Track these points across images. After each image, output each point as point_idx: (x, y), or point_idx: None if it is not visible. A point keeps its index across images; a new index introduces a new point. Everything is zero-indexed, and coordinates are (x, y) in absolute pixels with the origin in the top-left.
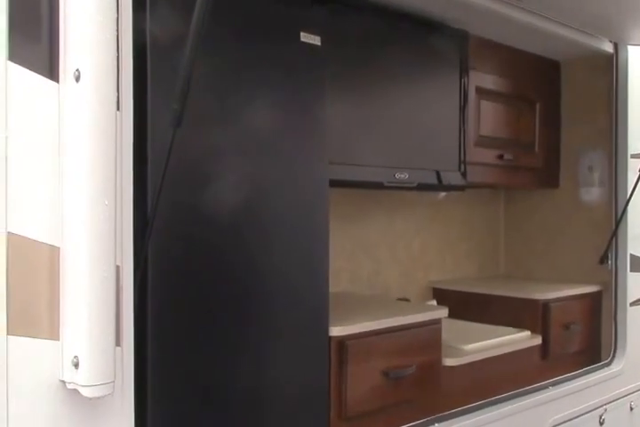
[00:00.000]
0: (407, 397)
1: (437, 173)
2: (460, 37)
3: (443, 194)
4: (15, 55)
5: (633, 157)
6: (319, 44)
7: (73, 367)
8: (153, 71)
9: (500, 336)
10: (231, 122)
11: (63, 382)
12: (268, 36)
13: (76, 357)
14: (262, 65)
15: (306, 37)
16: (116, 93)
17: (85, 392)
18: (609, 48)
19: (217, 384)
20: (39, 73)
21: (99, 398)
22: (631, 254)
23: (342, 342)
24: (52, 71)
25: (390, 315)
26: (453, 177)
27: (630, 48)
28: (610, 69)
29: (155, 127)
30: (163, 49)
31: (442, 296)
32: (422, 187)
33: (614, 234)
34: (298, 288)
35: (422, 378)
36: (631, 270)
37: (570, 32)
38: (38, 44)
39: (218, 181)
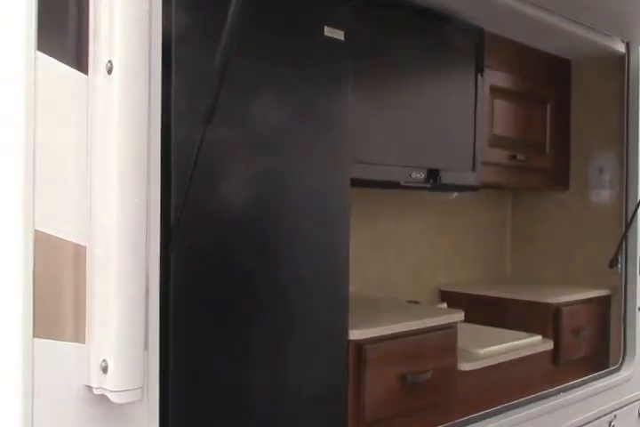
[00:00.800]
0: (424, 402)
1: (453, 173)
2: (476, 34)
3: (455, 194)
4: (44, 45)
5: None
6: (343, 38)
7: (101, 372)
8: (178, 65)
9: (512, 340)
10: (252, 118)
11: (89, 387)
12: (293, 30)
13: (104, 361)
14: (287, 59)
15: (330, 32)
16: (148, 87)
17: (115, 398)
18: (621, 48)
19: (234, 387)
20: (68, 64)
21: (128, 404)
22: None
23: (361, 345)
24: (80, 62)
25: (407, 318)
26: (468, 177)
27: None
28: (621, 70)
29: (179, 123)
30: (188, 43)
31: (451, 299)
32: (437, 187)
33: (624, 237)
34: (318, 291)
35: (439, 383)
36: None
37: (582, 30)
38: (67, 34)
39: (237, 180)
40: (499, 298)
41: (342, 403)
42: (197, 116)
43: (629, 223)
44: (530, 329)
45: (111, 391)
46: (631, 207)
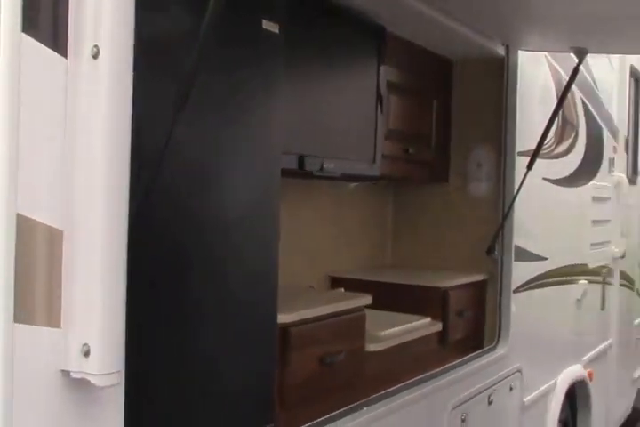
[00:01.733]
0: (339, 382)
1: (357, 164)
2: (379, 33)
3: (353, 184)
4: (29, 27)
5: (520, 154)
6: (277, 31)
7: (82, 356)
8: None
9: (406, 323)
10: (190, 108)
11: (66, 371)
12: (232, 21)
13: (86, 345)
14: (225, 51)
15: (267, 25)
16: (132, 73)
17: (98, 381)
18: (501, 51)
19: (167, 369)
20: (50, 47)
21: (108, 387)
22: (516, 245)
23: (285, 329)
24: (58, 45)
25: (322, 302)
26: (370, 169)
27: (521, 53)
28: (501, 72)
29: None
30: (157, 33)
31: (342, 285)
32: (345, 177)
33: (501, 227)
34: (249, 276)
35: (351, 364)
36: (515, 260)
37: (468, 32)
38: (50, 17)
39: (169, 168)
40: (388, 283)
41: (270, 386)
42: (168, 102)
43: (506, 214)
44: (419, 312)
45: (94, 375)
46: (507, 199)
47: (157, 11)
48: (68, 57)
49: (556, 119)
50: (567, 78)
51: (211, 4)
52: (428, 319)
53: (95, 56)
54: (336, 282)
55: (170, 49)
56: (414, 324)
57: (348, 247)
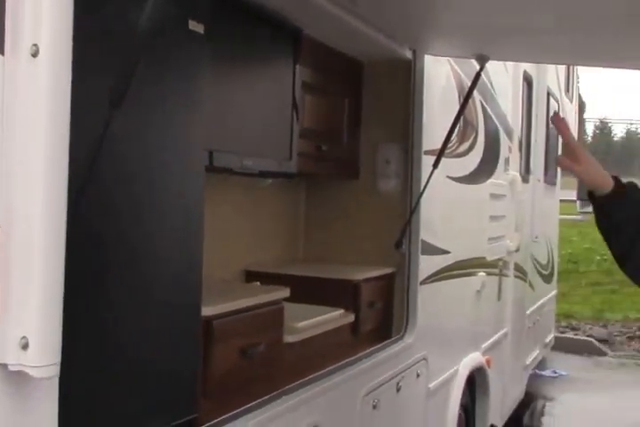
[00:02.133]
0: (259, 373)
1: (274, 161)
2: (294, 33)
3: (269, 181)
4: None
5: (426, 153)
6: (203, 32)
7: (20, 349)
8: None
9: (321, 315)
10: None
11: (2, 364)
12: (160, 22)
13: (24, 338)
14: (153, 50)
15: (193, 26)
16: (71, 71)
17: (37, 373)
18: (409, 55)
19: (93, 362)
20: None
21: (48, 378)
22: (422, 240)
23: (208, 321)
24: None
25: (243, 295)
26: (286, 166)
27: (427, 57)
28: (409, 74)
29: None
30: (93, 32)
31: (257, 279)
32: (262, 174)
33: (409, 222)
34: (175, 270)
35: (271, 355)
36: (422, 254)
37: (377, 36)
38: None
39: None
40: (302, 276)
41: (194, 378)
42: (104, 100)
43: (413, 210)
44: (332, 304)
45: (33, 367)
46: (414, 196)
47: (94, 10)
48: (5, 54)
49: (459, 120)
50: (468, 82)
51: (149, 3)
52: (341, 311)
53: (35, 55)
54: (251, 276)
55: (105, 48)
56: (328, 315)
57: (262, 242)
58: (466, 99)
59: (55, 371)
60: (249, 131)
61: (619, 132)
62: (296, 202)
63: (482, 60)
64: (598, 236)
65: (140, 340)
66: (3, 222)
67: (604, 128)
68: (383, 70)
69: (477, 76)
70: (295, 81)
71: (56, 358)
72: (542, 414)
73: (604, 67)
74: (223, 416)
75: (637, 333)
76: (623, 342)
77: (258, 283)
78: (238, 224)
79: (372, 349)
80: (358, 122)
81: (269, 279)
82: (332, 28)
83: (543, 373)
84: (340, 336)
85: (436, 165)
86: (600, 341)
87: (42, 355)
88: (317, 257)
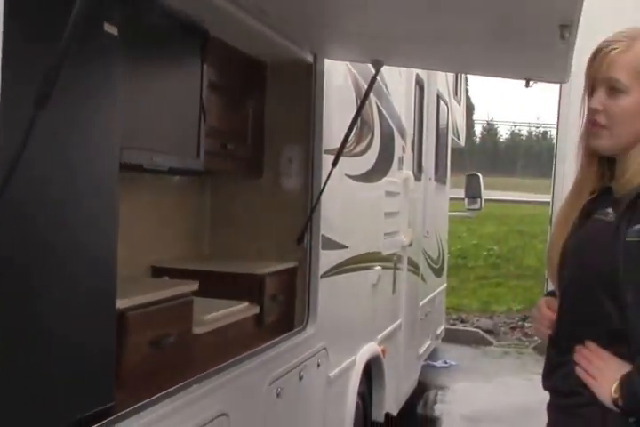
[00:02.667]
0: (171, 363)
1: (183, 159)
2: (202, 35)
3: (176, 179)
4: None
5: (326, 152)
6: (116, 34)
7: None
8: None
9: (227, 307)
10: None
11: None
12: (77, 24)
13: None
14: (72, 55)
15: (108, 27)
16: None
17: None
18: (310, 58)
19: (8, 352)
20: None
21: None
22: (323, 235)
23: (122, 313)
24: None
25: (156, 288)
26: (194, 163)
27: (327, 61)
28: (309, 77)
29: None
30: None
31: (165, 274)
32: (171, 171)
33: (310, 218)
34: (90, 264)
35: (180, 345)
36: (322, 249)
37: (280, 39)
38: None
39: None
40: (209, 271)
41: (111, 369)
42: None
43: (314, 206)
44: (238, 297)
45: None
46: (315, 193)
47: (20, 14)
48: None
49: (357, 121)
50: (365, 85)
51: (75, 8)
52: (246, 304)
53: None
54: (158, 272)
55: (30, 50)
56: (234, 308)
57: (169, 239)
58: (363, 101)
59: None
60: (158, 129)
61: (504, 133)
62: (202, 200)
63: (377, 65)
64: (485, 232)
65: (57, 331)
66: None
67: (490, 129)
68: (286, 72)
69: (373, 79)
70: (202, 81)
71: None
72: (435, 402)
73: (481, 75)
74: (134, 405)
75: (519, 323)
76: (507, 332)
77: (166, 278)
78: (144, 221)
79: (276, 339)
80: (262, 122)
81: (176, 275)
82: (238, 31)
83: (435, 363)
84: (245, 328)
85: (334, 163)
86: (486, 331)
87: None
88: (223, 253)
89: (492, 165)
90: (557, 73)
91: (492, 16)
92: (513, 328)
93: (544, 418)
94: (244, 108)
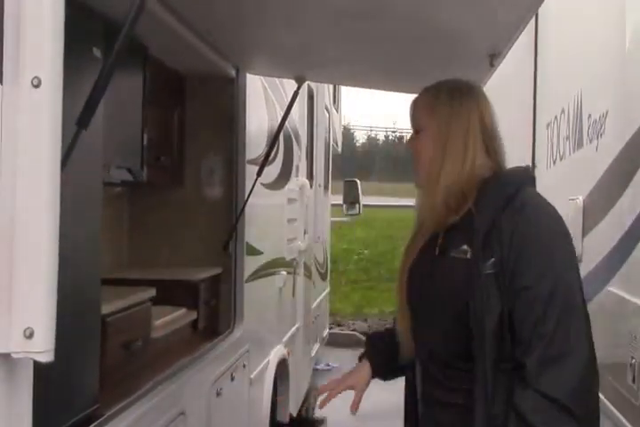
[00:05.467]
0: (138, 366)
1: (129, 172)
2: (143, 51)
3: (118, 189)
4: None
5: (249, 162)
6: (100, 56)
7: (24, 338)
8: None
9: (170, 314)
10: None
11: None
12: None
13: (29, 328)
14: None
15: (95, 51)
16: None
17: (43, 358)
18: (233, 72)
19: None
20: None
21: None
22: (247, 242)
23: (103, 318)
24: None
25: (122, 295)
26: (140, 175)
27: (249, 75)
28: (232, 90)
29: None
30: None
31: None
32: (124, 183)
33: (235, 225)
34: (72, 272)
35: (144, 349)
36: (247, 255)
37: (203, 50)
38: None
39: None
40: (142, 279)
41: (95, 373)
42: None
43: (239, 214)
44: (173, 304)
45: (38, 353)
46: (240, 201)
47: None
48: (4, 83)
49: (280, 133)
50: (271, 92)
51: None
52: (184, 309)
53: (38, 85)
54: None
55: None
56: (175, 314)
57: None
58: (286, 114)
59: (53, 355)
60: (111, 143)
61: (361, 138)
62: (119, 209)
63: (300, 81)
64: (355, 236)
65: None
66: (6, 226)
67: (347, 134)
68: (209, 85)
69: (295, 94)
70: (145, 97)
71: (53, 343)
72: (316, 405)
73: (397, 92)
74: (117, 407)
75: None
76: None
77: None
78: None
79: (212, 343)
80: (183, 133)
81: (109, 283)
82: (165, 42)
83: (318, 366)
84: (185, 332)
85: (259, 173)
86: (362, 334)
87: (45, 342)
88: (143, 261)
89: (350, 170)
90: None
91: (428, 42)
92: None
93: None
94: (169, 120)
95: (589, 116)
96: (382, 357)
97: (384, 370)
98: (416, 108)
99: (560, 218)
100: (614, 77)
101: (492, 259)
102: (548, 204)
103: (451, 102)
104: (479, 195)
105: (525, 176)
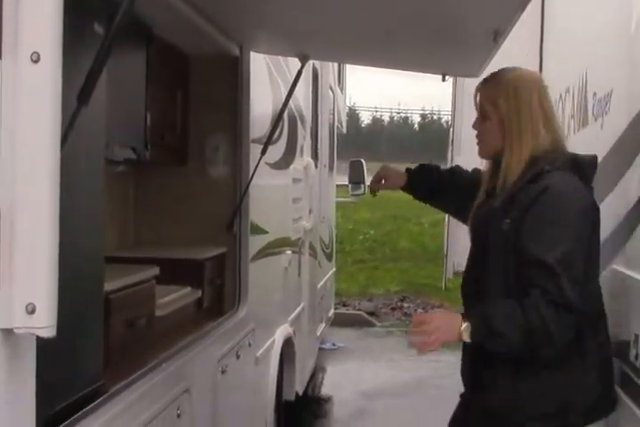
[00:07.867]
0: (142, 343)
1: (133, 151)
2: (146, 31)
3: (122, 168)
4: None
5: (253, 141)
6: (102, 32)
7: (26, 314)
8: None
9: (175, 292)
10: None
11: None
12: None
13: (30, 304)
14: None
15: (97, 27)
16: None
17: (45, 333)
18: (236, 50)
19: None
20: None
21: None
22: (251, 221)
23: (107, 296)
24: None
25: (127, 273)
26: (144, 154)
27: (253, 53)
28: (236, 69)
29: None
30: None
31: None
32: (128, 162)
33: (239, 205)
34: (74, 249)
35: (149, 326)
36: (251, 234)
37: (206, 28)
38: None
39: None
40: (147, 258)
41: (100, 349)
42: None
43: (243, 194)
44: (178, 283)
45: (40, 328)
46: (244, 180)
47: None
48: (3, 59)
49: (284, 112)
50: (275, 71)
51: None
52: (189, 288)
53: (37, 60)
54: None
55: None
56: (180, 292)
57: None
58: (289, 92)
59: (55, 330)
60: (115, 122)
61: (366, 118)
62: (124, 189)
63: (304, 59)
64: (360, 217)
65: None
66: (7, 206)
67: (352, 115)
68: (212, 63)
69: (299, 73)
70: (148, 76)
71: (55, 319)
72: (322, 384)
73: (401, 70)
74: (121, 383)
75: (398, 304)
76: (388, 312)
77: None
78: None
79: (217, 322)
80: (187, 112)
81: (113, 262)
82: (166, 20)
83: (324, 346)
84: (189, 311)
85: (263, 152)
86: (368, 313)
87: (47, 317)
88: (148, 241)
89: (355, 150)
90: (474, 69)
91: (433, 19)
92: (393, 309)
93: (434, 391)
94: (172, 99)
95: (594, 94)
96: (424, 178)
97: (417, 186)
98: (480, 98)
99: (579, 200)
100: (620, 56)
101: (507, 220)
102: (574, 189)
103: (515, 93)
104: (526, 167)
105: (569, 162)
